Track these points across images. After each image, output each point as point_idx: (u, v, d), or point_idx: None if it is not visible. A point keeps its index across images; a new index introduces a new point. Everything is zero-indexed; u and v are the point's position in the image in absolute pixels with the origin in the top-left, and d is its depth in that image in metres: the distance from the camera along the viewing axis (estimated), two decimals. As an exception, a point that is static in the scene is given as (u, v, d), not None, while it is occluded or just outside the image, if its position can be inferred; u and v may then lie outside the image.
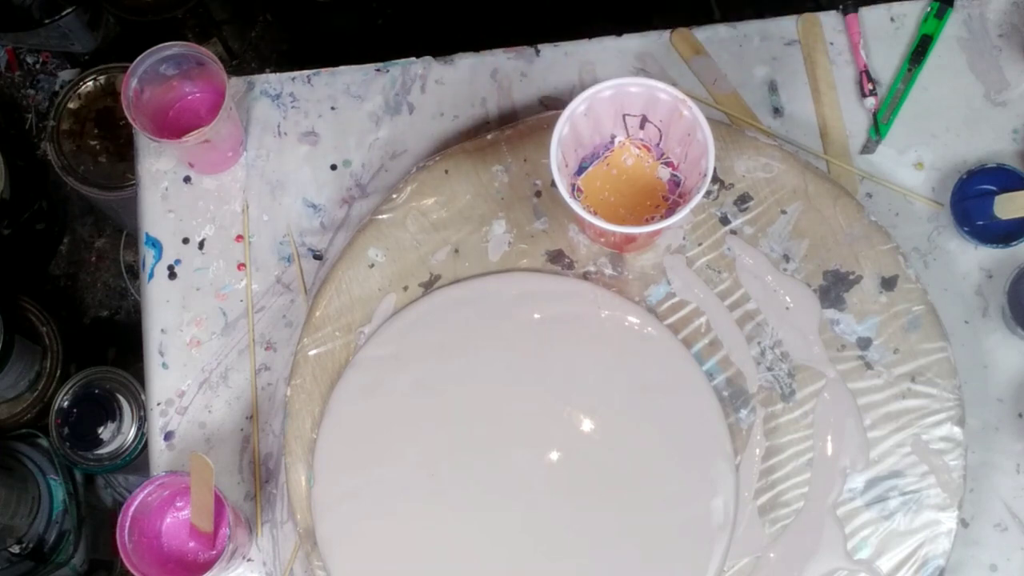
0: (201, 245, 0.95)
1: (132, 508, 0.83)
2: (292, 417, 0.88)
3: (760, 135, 0.92)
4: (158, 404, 0.93)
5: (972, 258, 0.93)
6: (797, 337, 0.88)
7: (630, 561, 0.84)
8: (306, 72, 0.98)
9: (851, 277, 0.89)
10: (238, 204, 0.96)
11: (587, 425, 0.86)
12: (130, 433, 1.54)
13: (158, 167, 0.97)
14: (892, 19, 0.98)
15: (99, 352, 1.74)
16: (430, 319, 0.89)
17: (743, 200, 0.90)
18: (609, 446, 0.86)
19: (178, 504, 0.87)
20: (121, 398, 1.53)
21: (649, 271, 0.89)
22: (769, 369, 0.88)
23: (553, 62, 0.97)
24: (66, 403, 1.52)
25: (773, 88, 0.96)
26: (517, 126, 0.92)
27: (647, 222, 0.86)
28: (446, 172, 0.91)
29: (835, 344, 0.88)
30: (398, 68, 0.98)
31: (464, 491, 0.86)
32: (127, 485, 1.62)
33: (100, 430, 1.52)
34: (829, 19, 0.97)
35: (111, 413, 1.52)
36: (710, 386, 0.87)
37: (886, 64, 0.97)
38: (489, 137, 0.92)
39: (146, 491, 0.84)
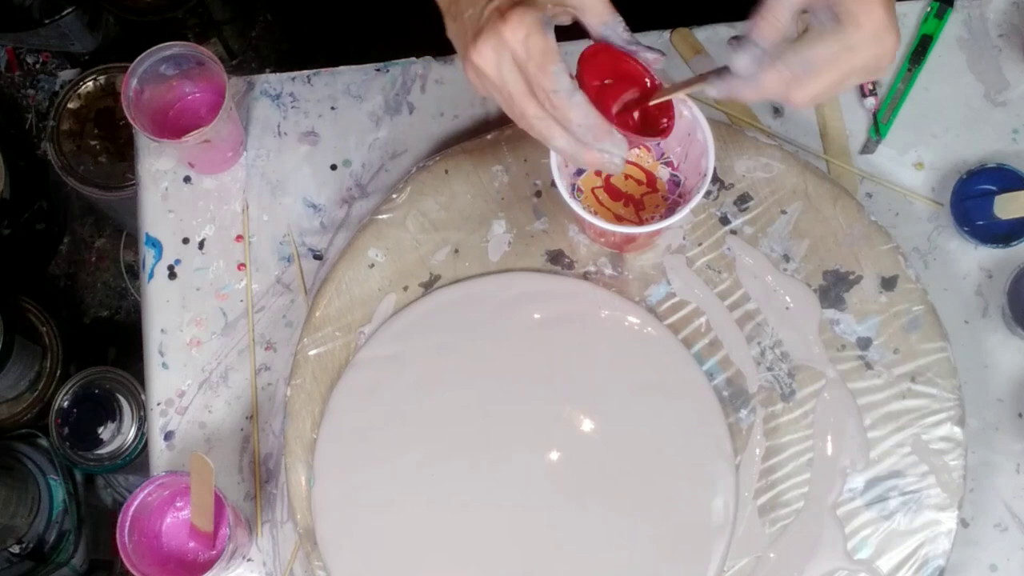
0: (201, 245, 0.95)
1: (132, 508, 0.83)
2: (292, 417, 0.88)
3: (760, 135, 0.92)
4: (158, 404, 0.93)
5: (972, 258, 0.93)
6: (797, 337, 0.88)
7: (630, 561, 0.84)
8: (306, 72, 0.98)
9: (851, 277, 0.89)
10: (238, 204, 0.96)
11: (587, 425, 0.86)
12: (130, 433, 1.54)
13: (158, 167, 0.97)
14: (892, 19, 0.98)
15: (99, 352, 1.74)
16: (430, 319, 0.89)
17: (743, 200, 0.90)
18: (609, 446, 0.86)
19: (178, 504, 0.87)
20: (121, 398, 1.53)
21: (649, 271, 0.89)
22: (769, 369, 0.88)
23: (553, 62, 0.97)
24: (66, 403, 1.52)
25: (773, 88, 0.96)
26: (517, 126, 0.92)
27: (647, 222, 0.87)
28: (446, 172, 0.91)
29: (835, 344, 0.88)
30: (398, 68, 0.98)
31: (464, 491, 0.86)
32: (127, 485, 1.62)
33: (100, 430, 1.52)
34: (829, 19, 0.97)
35: (111, 413, 1.52)
36: (710, 386, 0.87)
37: (886, 64, 0.97)
38: (489, 137, 0.92)
39: (146, 491, 0.84)
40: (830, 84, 0.67)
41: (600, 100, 0.71)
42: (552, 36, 0.68)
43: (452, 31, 0.73)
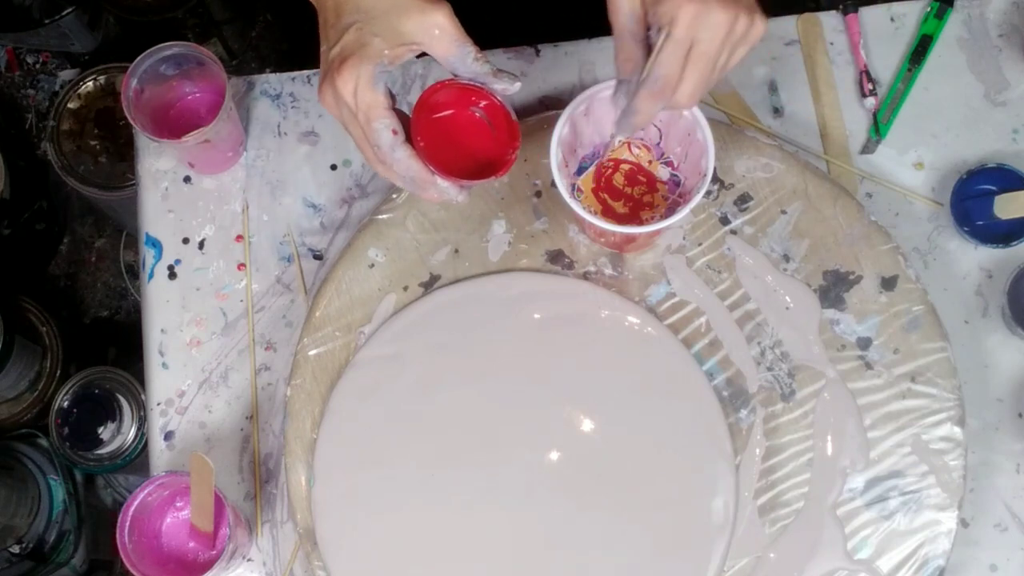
0: (201, 245, 0.95)
1: (132, 508, 0.83)
2: (292, 417, 0.88)
3: (760, 135, 0.92)
4: (158, 404, 0.93)
5: (972, 258, 0.93)
6: (797, 337, 0.88)
7: (630, 561, 0.84)
8: (306, 72, 0.98)
9: (851, 277, 0.89)
10: (238, 204, 0.96)
11: (587, 425, 0.86)
12: (130, 433, 1.54)
13: (158, 167, 0.97)
14: (892, 19, 0.98)
15: (99, 352, 1.74)
16: (430, 319, 0.89)
17: (743, 200, 0.90)
18: (609, 446, 0.86)
19: (178, 504, 0.87)
20: (121, 398, 1.53)
21: (649, 271, 0.89)
22: (769, 369, 0.88)
23: (553, 62, 0.97)
24: (66, 403, 1.52)
25: (773, 88, 0.96)
26: (517, 126, 0.92)
27: (647, 222, 0.87)
28: (446, 172, 0.91)
29: (835, 344, 0.88)
30: (398, 68, 0.98)
31: (464, 491, 0.86)
32: (127, 485, 1.62)
33: (100, 430, 1.52)
34: (829, 19, 0.97)
35: (111, 413, 1.52)
36: (710, 386, 0.87)
37: (886, 64, 0.97)
38: (489, 137, 0.92)
39: (146, 491, 0.84)
40: (699, 79, 0.69)
41: (443, 133, 0.74)
42: (380, 89, 0.71)
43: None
